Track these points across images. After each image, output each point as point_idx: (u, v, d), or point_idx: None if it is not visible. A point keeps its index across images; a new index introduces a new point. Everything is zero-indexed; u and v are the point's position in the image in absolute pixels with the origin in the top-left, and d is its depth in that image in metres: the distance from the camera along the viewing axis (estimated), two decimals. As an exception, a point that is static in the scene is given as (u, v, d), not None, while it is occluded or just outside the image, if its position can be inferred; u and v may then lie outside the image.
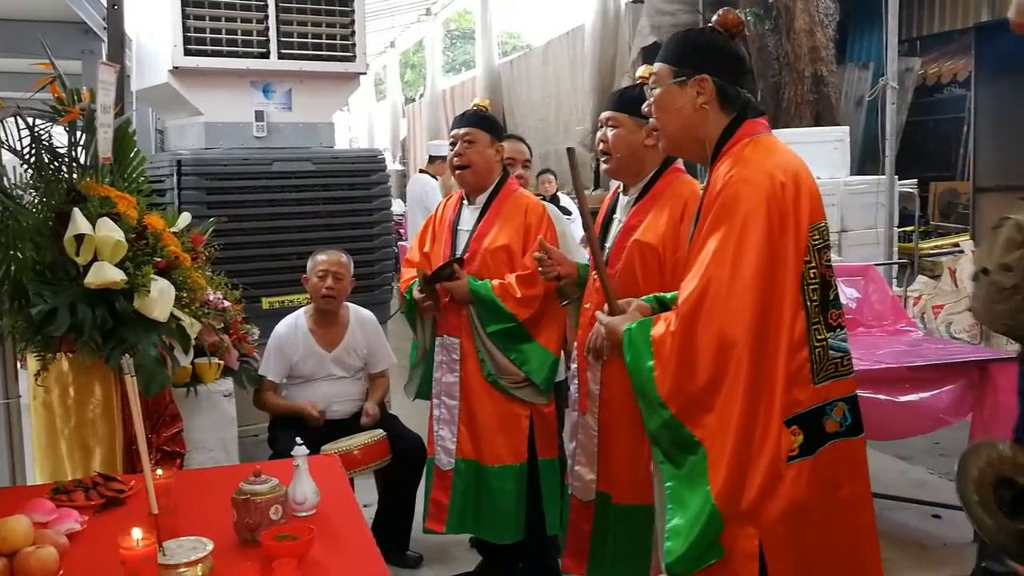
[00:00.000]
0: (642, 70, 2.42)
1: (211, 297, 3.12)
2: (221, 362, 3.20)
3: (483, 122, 3.23)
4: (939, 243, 8.14)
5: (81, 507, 2.12)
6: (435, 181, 7.36)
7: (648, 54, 8.63)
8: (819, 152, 6.62)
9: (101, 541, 1.93)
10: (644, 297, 2.17)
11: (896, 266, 6.23)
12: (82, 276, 2.49)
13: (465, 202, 3.31)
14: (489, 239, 3.18)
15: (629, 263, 2.57)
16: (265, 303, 4.32)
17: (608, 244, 2.65)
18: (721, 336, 1.80)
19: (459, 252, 3.20)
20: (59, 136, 2.74)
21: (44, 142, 2.69)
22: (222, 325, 3.21)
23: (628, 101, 2.58)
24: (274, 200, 4.41)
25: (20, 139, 2.65)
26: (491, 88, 13.26)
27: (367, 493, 3.70)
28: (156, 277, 2.59)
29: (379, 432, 3.50)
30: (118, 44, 3.82)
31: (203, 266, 3.07)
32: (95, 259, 2.50)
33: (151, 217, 2.76)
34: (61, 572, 1.76)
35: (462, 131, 3.20)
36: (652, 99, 2.03)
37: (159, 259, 2.66)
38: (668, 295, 2.12)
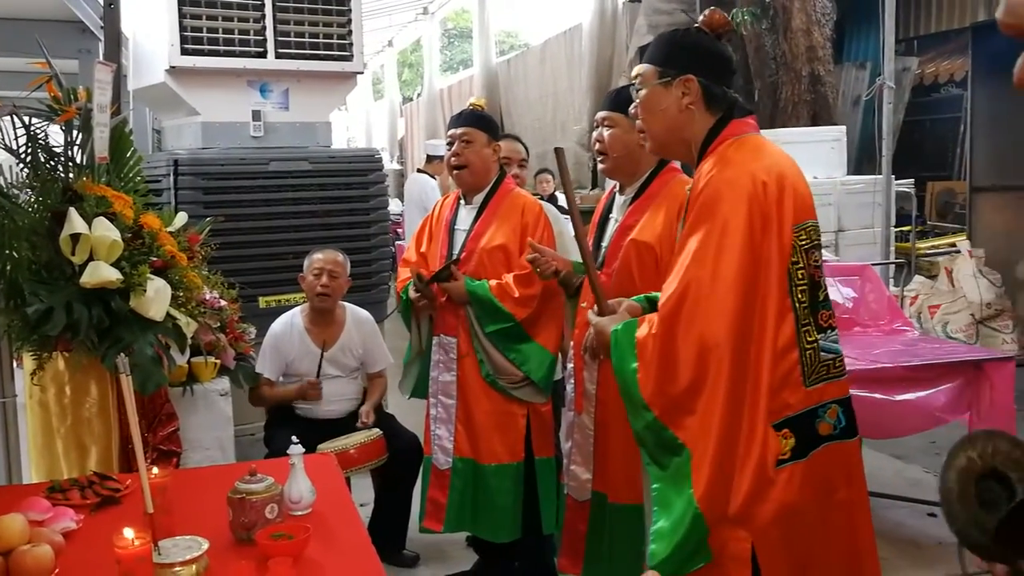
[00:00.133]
0: (637, 69, 2.41)
1: (207, 296, 3.13)
2: (217, 361, 3.20)
3: (480, 122, 3.23)
4: (936, 243, 8.17)
5: (77, 506, 2.12)
6: (434, 181, 7.32)
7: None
8: (816, 152, 6.63)
9: (97, 540, 1.92)
10: (635, 297, 2.17)
11: (893, 266, 6.24)
12: (78, 275, 2.48)
13: (462, 202, 3.31)
14: (486, 239, 3.18)
15: (626, 263, 2.57)
16: (262, 302, 4.31)
17: (604, 244, 2.65)
18: (702, 338, 1.78)
19: (456, 252, 3.20)
20: (55, 135, 2.73)
21: (40, 141, 2.68)
22: (218, 324, 3.21)
23: (624, 101, 2.57)
24: (271, 200, 4.40)
25: (16, 138, 2.65)
26: (488, 87, 13.26)
27: (363, 492, 3.70)
28: (152, 276, 2.58)
29: (375, 431, 3.50)
30: (115, 43, 3.82)
31: (199, 265, 3.07)
32: (91, 258, 2.50)
33: (147, 217, 2.75)
34: (56, 571, 1.75)
35: (459, 131, 3.20)
36: (638, 100, 2.02)
37: (155, 258, 2.65)
38: (658, 295, 2.12)
